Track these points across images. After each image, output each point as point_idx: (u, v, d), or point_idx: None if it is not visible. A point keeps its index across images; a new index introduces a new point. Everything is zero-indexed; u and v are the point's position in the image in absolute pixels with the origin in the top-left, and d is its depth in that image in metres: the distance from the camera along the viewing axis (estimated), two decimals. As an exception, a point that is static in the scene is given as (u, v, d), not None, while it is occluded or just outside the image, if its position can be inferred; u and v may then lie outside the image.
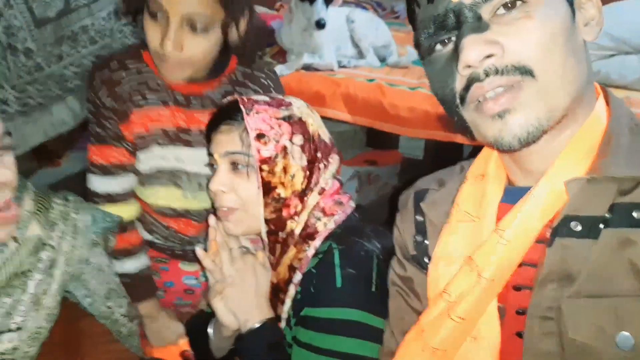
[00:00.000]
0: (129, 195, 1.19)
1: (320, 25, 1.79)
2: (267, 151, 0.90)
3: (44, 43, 1.84)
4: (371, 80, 1.87)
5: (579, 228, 0.60)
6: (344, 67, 2.01)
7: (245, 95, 0.96)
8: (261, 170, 0.90)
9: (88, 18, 2.01)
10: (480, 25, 0.61)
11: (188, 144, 1.16)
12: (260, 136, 0.90)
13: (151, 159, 1.16)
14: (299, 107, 0.97)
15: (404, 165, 2.63)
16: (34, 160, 2.88)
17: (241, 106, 0.92)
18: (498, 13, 0.61)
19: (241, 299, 0.94)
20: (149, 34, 1.01)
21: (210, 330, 1.03)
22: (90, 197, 1.18)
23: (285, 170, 0.92)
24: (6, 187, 0.84)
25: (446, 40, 0.65)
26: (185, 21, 0.98)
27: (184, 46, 0.99)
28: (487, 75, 0.61)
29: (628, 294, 0.57)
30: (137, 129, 1.13)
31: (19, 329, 0.90)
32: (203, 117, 1.09)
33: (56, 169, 2.96)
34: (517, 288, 0.66)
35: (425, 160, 2.60)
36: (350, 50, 2.08)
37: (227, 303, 0.94)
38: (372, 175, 2.41)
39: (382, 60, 2.10)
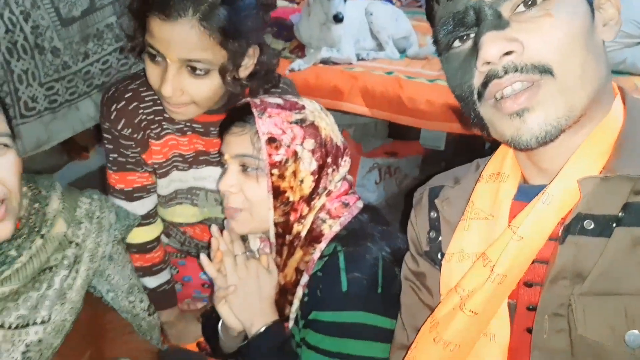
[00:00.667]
0: (153, 216, 1.21)
1: (337, 19, 1.79)
2: (278, 156, 0.90)
3: (70, 41, 1.88)
4: (389, 73, 1.86)
5: (592, 226, 0.60)
6: (362, 59, 2.01)
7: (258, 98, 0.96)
8: (271, 174, 0.91)
9: (113, 16, 2.05)
10: (500, 23, 0.61)
11: (208, 163, 1.16)
12: (271, 140, 0.90)
13: (170, 183, 1.17)
14: (312, 110, 0.96)
15: (425, 156, 2.61)
16: (63, 154, 2.97)
17: (253, 109, 0.91)
18: (518, 10, 0.61)
19: (245, 305, 0.95)
20: (149, 76, 0.98)
21: (219, 330, 1.05)
22: None
23: (294, 174, 0.92)
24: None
25: (465, 37, 0.66)
26: (184, 65, 0.93)
27: (184, 90, 0.95)
28: (506, 72, 0.61)
29: (638, 293, 0.57)
30: (156, 156, 1.13)
31: (43, 322, 0.93)
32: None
33: (84, 162, 3.04)
34: (529, 284, 0.67)
35: (446, 151, 2.58)
36: (369, 43, 2.08)
37: (232, 308, 0.96)
38: (392, 166, 2.39)
39: (402, 51, 2.09)
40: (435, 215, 0.82)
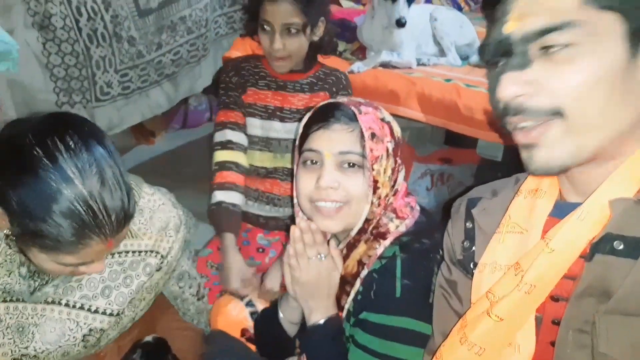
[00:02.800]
0: (238, 147, 1.58)
1: (400, 24, 1.80)
2: (377, 151, 0.93)
3: (146, 32, 2.00)
4: (448, 80, 1.85)
5: (622, 247, 0.61)
6: (423, 65, 2.01)
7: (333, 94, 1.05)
8: (372, 169, 0.93)
9: (187, 9, 2.16)
10: (523, 62, 0.64)
11: (281, 119, 1.58)
12: (373, 135, 0.93)
13: (253, 127, 1.60)
14: (385, 111, 1.00)
15: (480, 165, 2.57)
16: (132, 138, 3.13)
17: (352, 107, 0.95)
18: (545, 51, 0.63)
19: (311, 298, 0.98)
20: (263, 41, 1.50)
21: (279, 307, 1.09)
22: (212, 148, 1.60)
23: (386, 170, 0.95)
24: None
25: (499, 62, 0.69)
26: (284, 28, 1.46)
27: (285, 44, 1.47)
28: (516, 113, 0.65)
29: None
30: (248, 100, 1.59)
31: (112, 314, 0.98)
32: (293, 99, 1.57)
33: (151, 146, 3.20)
34: (555, 299, 0.68)
35: (503, 162, 2.52)
36: (431, 48, 2.07)
37: (297, 297, 0.99)
38: (445, 173, 2.37)
39: (465, 58, 2.08)
40: (471, 225, 0.83)
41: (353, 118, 0.94)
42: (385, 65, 1.97)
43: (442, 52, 2.07)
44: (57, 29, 1.56)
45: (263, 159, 1.62)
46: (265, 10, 1.46)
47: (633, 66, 0.62)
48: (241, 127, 1.60)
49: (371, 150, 0.92)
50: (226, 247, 1.49)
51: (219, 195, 1.54)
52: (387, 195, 0.97)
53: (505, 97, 0.65)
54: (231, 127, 1.58)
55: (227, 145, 1.58)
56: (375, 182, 0.94)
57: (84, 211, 0.76)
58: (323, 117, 0.97)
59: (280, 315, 1.07)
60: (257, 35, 1.54)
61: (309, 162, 0.98)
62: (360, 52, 2.10)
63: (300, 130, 1.01)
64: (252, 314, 1.39)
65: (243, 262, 1.47)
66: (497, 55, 0.68)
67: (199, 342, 1.25)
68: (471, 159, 2.50)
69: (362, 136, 0.93)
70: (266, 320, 1.14)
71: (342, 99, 0.99)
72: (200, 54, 2.26)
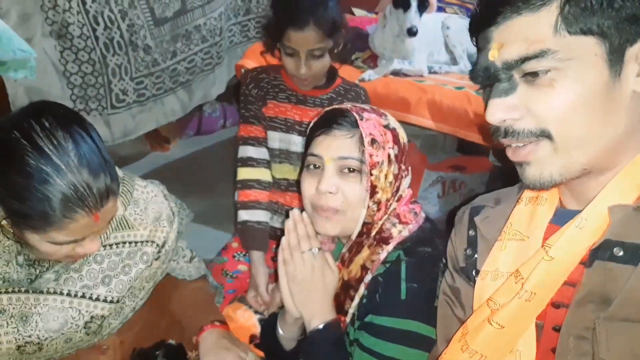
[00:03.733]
0: (260, 163, 1.59)
1: (411, 32, 1.81)
2: (377, 157, 0.94)
3: (161, 40, 2.04)
4: (459, 88, 1.85)
5: (621, 253, 0.61)
6: (434, 72, 2.02)
7: (346, 103, 1.05)
8: (371, 174, 0.94)
9: (202, 18, 2.20)
10: (508, 87, 0.66)
11: (300, 133, 1.56)
12: (373, 141, 0.94)
13: (273, 140, 1.59)
14: (392, 119, 1.01)
15: (493, 173, 2.56)
16: (146, 144, 3.18)
17: (354, 113, 0.96)
18: (527, 77, 0.65)
19: (308, 299, 0.98)
20: (287, 63, 1.49)
21: (277, 320, 1.09)
22: (236, 163, 1.61)
23: (386, 176, 0.96)
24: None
25: (487, 87, 0.71)
26: (309, 54, 1.44)
27: (311, 67, 1.46)
28: (505, 135, 0.67)
29: None
30: (270, 113, 1.58)
31: (112, 301, 1.01)
32: (312, 114, 1.48)
33: (165, 153, 3.24)
34: (556, 305, 0.69)
35: (515, 170, 2.51)
36: (443, 56, 2.08)
37: (294, 300, 0.99)
38: (457, 181, 2.37)
39: (476, 67, 2.08)
40: (474, 233, 0.84)
41: (355, 124, 0.96)
42: (396, 73, 1.98)
43: (453, 60, 2.08)
44: (74, 37, 1.61)
45: (284, 172, 1.61)
46: (289, 38, 1.44)
47: (614, 83, 0.63)
48: (262, 142, 1.59)
49: (370, 155, 0.93)
50: (253, 264, 1.54)
51: (244, 215, 1.57)
52: (388, 200, 0.98)
53: (492, 122, 0.68)
54: (252, 142, 1.59)
55: (247, 162, 1.59)
56: (374, 187, 0.95)
57: (65, 185, 0.79)
58: (326, 122, 0.99)
59: (280, 332, 1.08)
60: (276, 52, 1.54)
61: (311, 167, 1.00)
62: (372, 61, 2.12)
63: (307, 135, 1.04)
64: (260, 320, 1.41)
65: (267, 279, 1.53)
66: (485, 80, 0.70)
67: (207, 288, 1.28)
68: (484, 167, 2.50)
69: (363, 142, 0.94)
70: (266, 333, 1.14)
71: (346, 105, 1.01)
72: (215, 62, 2.30)
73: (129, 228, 1.03)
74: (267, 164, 1.61)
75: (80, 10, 1.61)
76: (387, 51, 2.00)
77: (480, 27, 0.69)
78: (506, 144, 0.69)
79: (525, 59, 0.63)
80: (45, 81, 1.55)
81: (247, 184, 1.58)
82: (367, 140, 0.94)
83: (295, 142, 1.59)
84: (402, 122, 1.85)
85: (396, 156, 0.98)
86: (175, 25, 2.12)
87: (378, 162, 0.94)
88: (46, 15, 1.53)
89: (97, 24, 1.70)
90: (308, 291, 0.98)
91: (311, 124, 1.03)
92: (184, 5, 2.12)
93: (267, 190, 1.60)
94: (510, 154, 0.69)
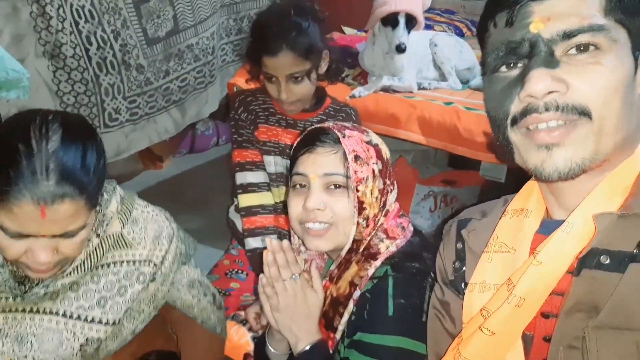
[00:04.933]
0: (261, 187, 1.57)
1: (400, 49, 1.83)
2: (362, 173, 0.96)
3: (154, 60, 2.05)
4: (448, 103, 1.88)
5: (608, 261, 0.62)
6: (424, 89, 2.04)
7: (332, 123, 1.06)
8: (357, 190, 0.96)
9: (194, 38, 2.22)
10: (551, 61, 0.64)
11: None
12: (356, 158, 0.96)
13: (269, 164, 1.58)
14: (374, 135, 1.04)
15: (484, 187, 2.58)
16: (139, 163, 3.18)
17: (336, 131, 0.98)
18: (570, 53, 0.64)
19: (292, 325, 0.98)
20: (270, 89, 1.50)
21: (266, 338, 1.10)
22: (235, 190, 1.59)
23: (372, 191, 0.98)
24: (68, 259, 0.95)
25: (512, 65, 0.69)
26: (290, 78, 1.45)
27: (293, 92, 1.47)
28: (547, 109, 0.64)
29: None
30: (263, 137, 1.58)
31: (107, 323, 0.99)
32: None
33: (158, 171, 3.24)
34: (545, 315, 0.69)
35: (506, 183, 2.53)
36: (432, 73, 2.10)
37: (279, 327, 0.99)
38: (449, 195, 2.38)
39: (465, 82, 2.11)
40: (462, 246, 0.85)
41: (337, 141, 0.98)
42: (386, 89, 2.00)
43: (442, 77, 2.10)
44: (67, 57, 1.62)
45: (281, 195, 1.59)
46: (266, 64, 1.45)
47: (633, 80, 0.65)
48: (259, 166, 1.57)
49: (355, 172, 0.95)
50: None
51: (252, 242, 1.54)
52: (375, 216, 0.99)
53: (538, 91, 0.63)
54: (249, 167, 1.57)
55: (248, 188, 1.56)
56: (361, 203, 0.96)
57: (26, 164, 0.80)
58: (309, 141, 1.01)
59: (271, 349, 1.08)
60: (261, 78, 1.53)
61: (297, 186, 1.02)
62: (362, 78, 2.14)
63: (291, 156, 1.05)
64: (254, 338, 1.40)
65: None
66: (515, 56, 0.68)
67: (222, 350, 1.26)
68: (475, 181, 2.52)
69: (346, 158, 0.96)
70: (259, 351, 1.14)
71: (328, 124, 1.03)
72: (207, 81, 2.31)
73: (127, 247, 1.02)
74: (268, 187, 1.58)
75: (73, 30, 1.62)
76: (376, 68, 2.03)
77: (513, 3, 0.67)
78: (536, 124, 0.65)
79: (579, 32, 0.63)
80: (38, 100, 1.55)
81: (251, 211, 1.55)
82: (350, 157, 0.95)
83: (287, 166, 1.56)
84: (393, 138, 1.89)
85: (380, 171, 0.99)
86: (168, 44, 2.13)
87: (363, 178, 0.96)
88: (39, 35, 1.54)
89: (90, 43, 1.71)
90: (291, 317, 0.98)
91: (294, 145, 1.05)
92: (176, 25, 2.13)
93: (272, 214, 1.56)
94: (541, 136, 0.65)
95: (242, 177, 1.56)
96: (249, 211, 1.55)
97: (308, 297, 0.99)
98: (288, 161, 1.45)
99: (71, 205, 0.83)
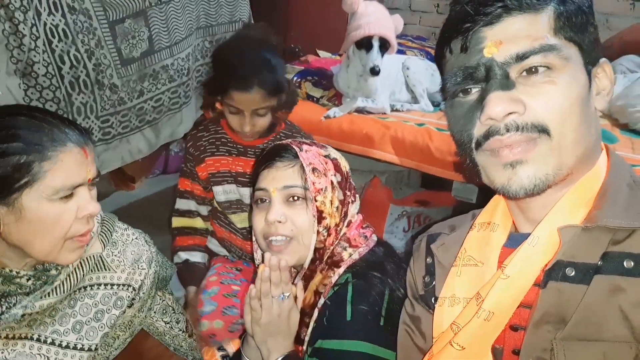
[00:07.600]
0: (194, 214, 1.72)
1: (374, 72, 1.87)
2: (320, 183, 1.00)
3: (128, 80, 2.04)
4: (421, 124, 1.92)
5: (573, 273, 0.64)
6: (397, 110, 2.08)
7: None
8: (315, 200, 1.00)
9: (169, 59, 2.21)
10: (507, 83, 0.67)
11: (244, 184, 1.62)
12: (314, 170, 1.01)
13: (222, 193, 1.65)
14: (332, 150, 1.08)
15: (456, 207, 2.62)
16: (110, 184, 3.12)
17: (294, 146, 1.03)
18: (524, 74, 0.67)
19: (269, 340, 0.98)
20: (230, 120, 1.54)
21: (242, 352, 1.08)
22: (173, 213, 1.73)
23: (332, 202, 1.02)
24: (94, 218, 0.95)
25: (470, 90, 0.71)
26: (254, 112, 1.49)
27: (255, 125, 1.52)
28: (507, 130, 0.66)
29: (617, 339, 0.60)
30: (211, 169, 1.64)
31: (85, 349, 0.96)
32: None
33: (130, 192, 3.19)
34: (514, 328, 0.71)
35: (478, 204, 2.57)
36: (404, 95, 2.15)
37: (255, 339, 0.99)
38: (422, 215, 2.41)
39: (437, 105, 2.16)
40: (431, 260, 0.86)
41: (296, 156, 1.03)
42: (360, 110, 2.04)
43: (414, 99, 2.15)
44: (39, 76, 1.60)
45: (242, 220, 1.67)
46: (233, 98, 1.47)
47: (589, 95, 0.68)
48: (197, 197, 1.70)
49: (313, 183, 1.00)
50: (192, 299, 1.65)
51: (184, 255, 1.70)
52: (337, 225, 1.03)
53: (497, 113, 0.66)
54: (186, 196, 1.71)
55: (185, 214, 1.72)
56: (320, 212, 1.00)
57: (47, 120, 0.86)
58: (269, 157, 1.06)
59: (245, 358, 1.07)
60: (218, 107, 1.58)
61: (259, 201, 1.05)
62: (337, 99, 2.17)
63: (252, 172, 1.10)
64: (223, 357, 1.38)
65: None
66: (472, 80, 0.70)
67: None
68: (447, 202, 2.55)
69: (304, 170, 1.00)
70: None
71: (287, 141, 1.08)
72: (182, 101, 2.31)
73: (105, 269, 1.00)
74: (203, 218, 1.73)
75: (46, 49, 1.61)
76: (351, 90, 2.06)
77: (466, 30, 0.69)
78: (504, 143, 0.67)
79: (531, 54, 0.65)
80: (8, 119, 1.53)
81: (184, 231, 1.72)
82: (308, 169, 1.00)
83: (242, 193, 1.64)
84: (367, 158, 1.91)
85: (339, 183, 1.04)
86: (143, 65, 2.12)
87: (322, 189, 1.00)
88: (11, 54, 1.52)
89: (63, 62, 1.70)
90: (270, 333, 0.98)
91: (256, 162, 1.10)
92: (151, 45, 2.13)
93: (204, 237, 1.74)
94: (505, 154, 0.67)
95: (180, 204, 1.73)
96: (181, 231, 1.73)
97: (291, 316, 1.00)
98: (240, 189, 1.62)
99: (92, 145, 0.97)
